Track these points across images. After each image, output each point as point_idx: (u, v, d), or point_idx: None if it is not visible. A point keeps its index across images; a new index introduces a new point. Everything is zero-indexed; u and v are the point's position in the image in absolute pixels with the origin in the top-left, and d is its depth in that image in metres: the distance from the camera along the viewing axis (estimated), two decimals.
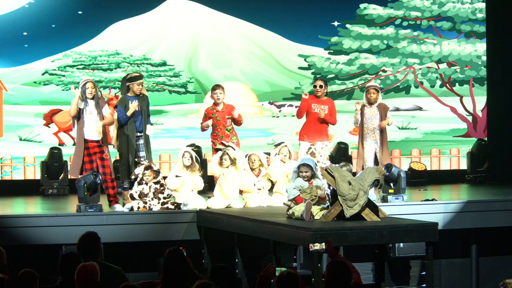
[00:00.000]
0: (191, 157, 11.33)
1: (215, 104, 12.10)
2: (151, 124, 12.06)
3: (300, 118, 12.36)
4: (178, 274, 6.80)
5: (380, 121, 12.09)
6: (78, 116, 11.14)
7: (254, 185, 11.29)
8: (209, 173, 12.14)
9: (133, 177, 11.28)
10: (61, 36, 15.43)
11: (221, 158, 11.27)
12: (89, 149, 11.14)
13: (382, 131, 12.10)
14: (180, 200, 11.15)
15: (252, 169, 11.30)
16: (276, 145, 11.66)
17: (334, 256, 7.28)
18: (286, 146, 11.54)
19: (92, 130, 11.13)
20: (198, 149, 14.81)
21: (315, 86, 12.33)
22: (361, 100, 12.37)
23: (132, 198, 11.15)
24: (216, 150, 11.55)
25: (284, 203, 9.97)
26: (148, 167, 11.17)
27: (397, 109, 16.62)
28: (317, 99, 12.28)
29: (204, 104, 15.77)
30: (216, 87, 12.20)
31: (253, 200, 11.22)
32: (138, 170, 11.17)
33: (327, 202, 9.24)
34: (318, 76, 16.29)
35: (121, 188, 12.08)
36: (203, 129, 12.16)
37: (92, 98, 11.10)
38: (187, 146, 11.70)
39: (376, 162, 12.02)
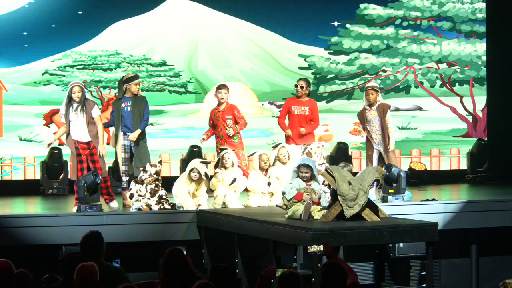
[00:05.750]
0: (199, 173, 10.97)
1: (218, 104, 12.08)
2: (139, 128, 11.66)
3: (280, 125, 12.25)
4: (178, 274, 6.80)
5: (380, 121, 12.12)
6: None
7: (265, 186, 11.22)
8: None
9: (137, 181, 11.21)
10: (61, 36, 15.43)
11: (222, 159, 11.20)
12: (79, 150, 11.28)
13: (384, 133, 12.13)
14: (175, 201, 11.11)
15: (262, 169, 11.20)
16: (274, 147, 11.58)
17: (332, 258, 7.27)
18: (284, 147, 11.48)
19: (80, 132, 11.26)
20: (198, 149, 14.82)
21: (296, 86, 12.23)
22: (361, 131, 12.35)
23: (131, 198, 11.13)
24: (220, 150, 11.51)
25: (276, 205, 9.86)
26: (154, 173, 11.13)
27: (397, 109, 16.61)
28: (298, 100, 12.19)
29: (204, 104, 15.80)
30: (221, 86, 12.18)
31: (254, 200, 11.18)
32: (144, 175, 11.11)
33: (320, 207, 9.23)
34: (318, 76, 16.29)
35: (120, 188, 12.08)
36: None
37: (79, 102, 11.21)
38: (200, 162, 11.13)
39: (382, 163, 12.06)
